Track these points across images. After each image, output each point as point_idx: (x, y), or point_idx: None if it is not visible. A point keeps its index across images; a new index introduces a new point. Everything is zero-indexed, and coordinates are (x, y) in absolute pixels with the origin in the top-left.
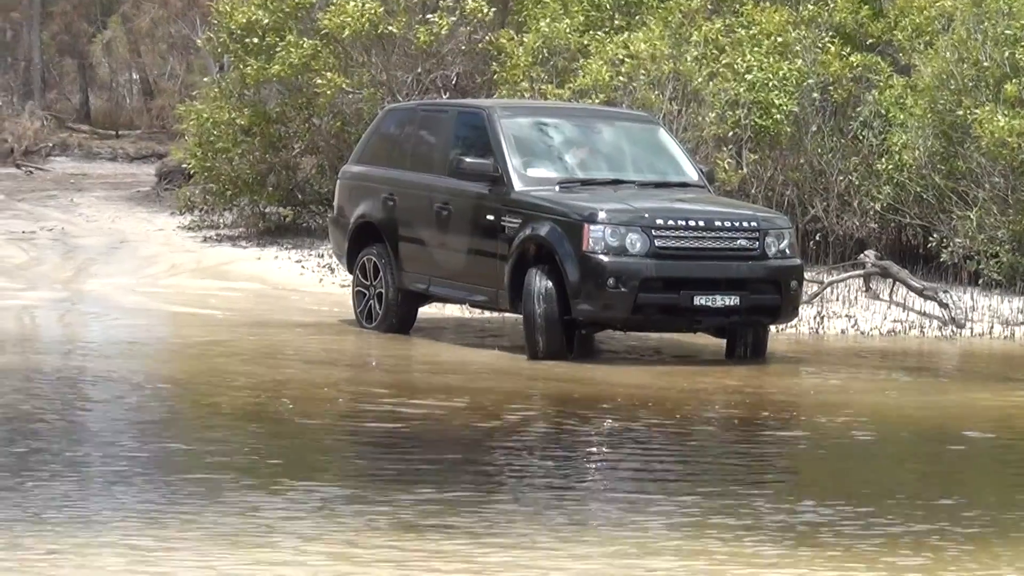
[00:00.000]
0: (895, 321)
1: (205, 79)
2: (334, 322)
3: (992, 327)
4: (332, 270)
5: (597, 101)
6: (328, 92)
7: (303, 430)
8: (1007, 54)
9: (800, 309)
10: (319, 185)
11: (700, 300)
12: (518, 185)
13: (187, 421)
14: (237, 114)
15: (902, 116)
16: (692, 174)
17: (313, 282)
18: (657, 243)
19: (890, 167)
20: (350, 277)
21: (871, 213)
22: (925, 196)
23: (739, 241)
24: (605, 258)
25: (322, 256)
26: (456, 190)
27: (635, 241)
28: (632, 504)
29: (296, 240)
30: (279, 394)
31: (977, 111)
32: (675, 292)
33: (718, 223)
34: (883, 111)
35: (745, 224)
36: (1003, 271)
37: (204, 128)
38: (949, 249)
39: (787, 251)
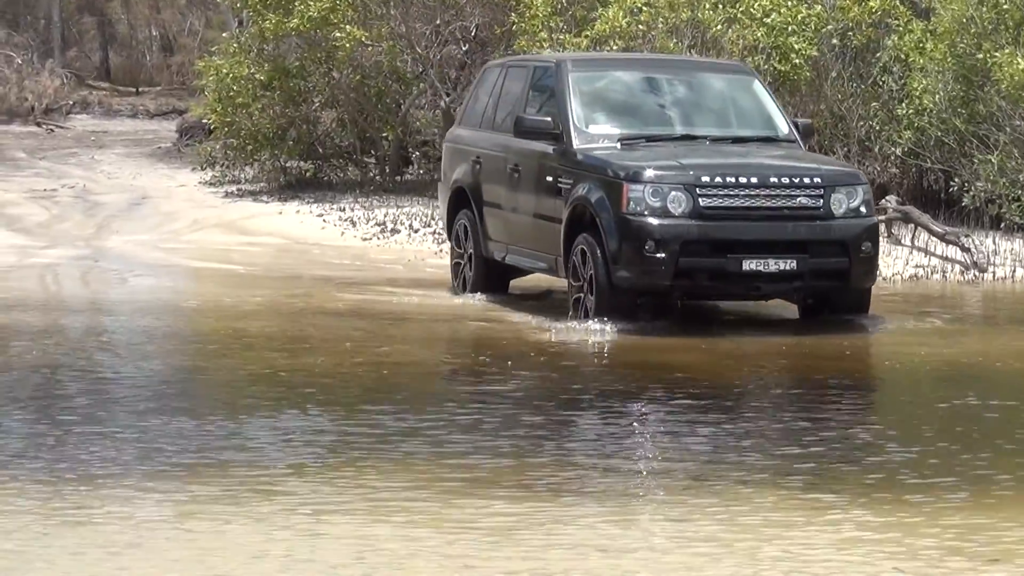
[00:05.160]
0: (917, 266)
1: (224, 34)
2: (365, 276)
3: (1015, 270)
4: (353, 223)
5: (616, 49)
6: (347, 45)
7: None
8: None
9: (877, 273)
10: (339, 139)
11: (750, 264)
12: (577, 143)
13: (214, 377)
14: (257, 69)
15: (922, 61)
16: (782, 128)
17: (335, 236)
18: (702, 202)
19: (910, 112)
20: (372, 230)
21: (892, 158)
22: (946, 140)
23: (799, 199)
24: (643, 220)
25: (343, 210)
26: (524, 150)
27: (679, 200)
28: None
29: (317, 194)
30: (297, 348)
31: (997, 54)
32: (722, 256)
33: (774, 179)
34: (903, 56)
35: (806, 180)
36: None
37: (224, 83)
38: (971, 193)
39: (862, 209)
